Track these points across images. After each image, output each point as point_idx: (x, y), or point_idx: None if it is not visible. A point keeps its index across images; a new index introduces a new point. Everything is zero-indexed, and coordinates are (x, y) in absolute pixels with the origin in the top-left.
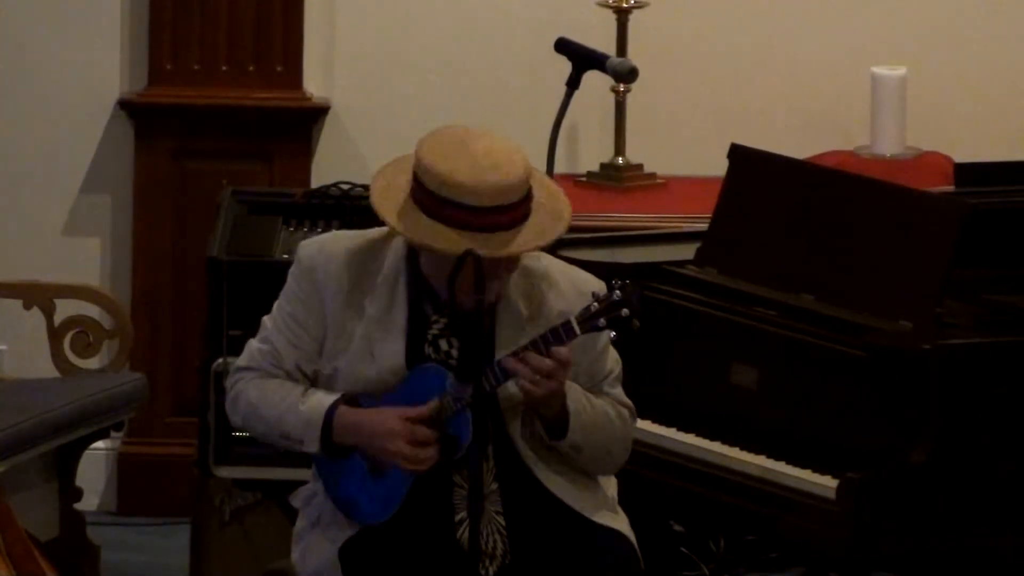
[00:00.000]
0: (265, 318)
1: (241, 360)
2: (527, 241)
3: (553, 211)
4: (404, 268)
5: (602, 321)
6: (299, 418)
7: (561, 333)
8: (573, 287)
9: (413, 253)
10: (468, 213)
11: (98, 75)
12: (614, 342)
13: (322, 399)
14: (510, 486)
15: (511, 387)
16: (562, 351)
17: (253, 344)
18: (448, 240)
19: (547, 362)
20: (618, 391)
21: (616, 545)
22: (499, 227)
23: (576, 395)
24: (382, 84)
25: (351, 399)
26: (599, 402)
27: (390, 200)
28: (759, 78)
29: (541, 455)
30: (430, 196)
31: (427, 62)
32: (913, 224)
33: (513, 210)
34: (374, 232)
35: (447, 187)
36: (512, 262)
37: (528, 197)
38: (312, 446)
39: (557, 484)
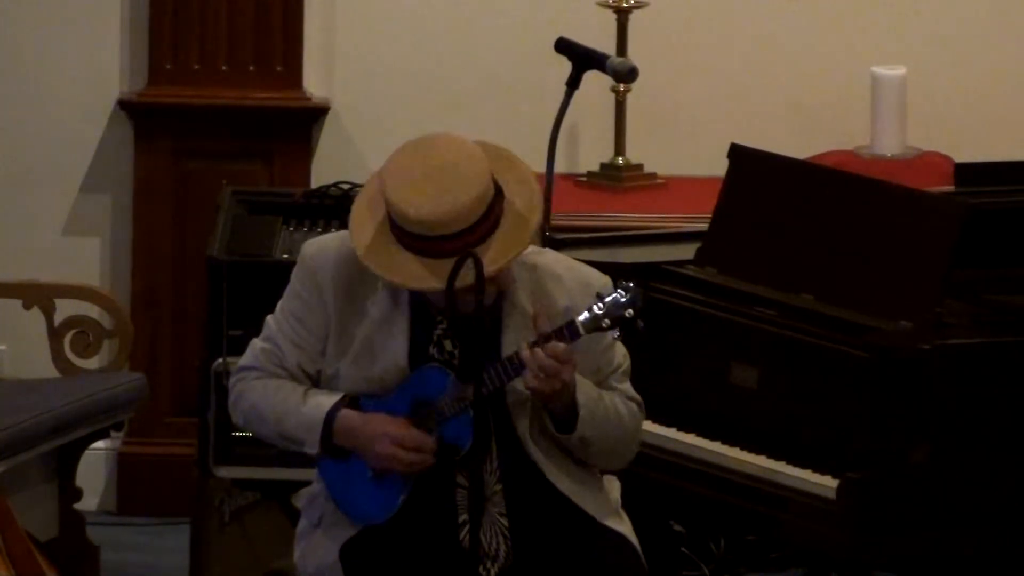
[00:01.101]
0: (268, 318)
1: (244, 360)
2: (494, 259)
3: (520, 216)
4: None
5: (607, 321)
6: (300, 419)
7: (565, 333)
8: (577, 282)
9: None
10: (430, 243)
11: (98, 75)
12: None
13: (323, 401)
14: (515, 487)
15: (519, 385)
16: (559, 348)
17: (256, 344)
18: (413, 277)
19: (551, 361)
20: (626, 385)
21: (621, 549)
22: (465, 248)
23: (586, 389)
24: (382, 84)
25: (352, 401)
26: (609, 396)
27: (367, 224)
28: (759, 78)
29: (550, 454)
30: (396, 226)
31: (427, 62)
32: (913, 224)
33: (476, 229)
34: None
35: (406, 221)
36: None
37: (492, 209)
38: (312, 448)
39: (565, 484)
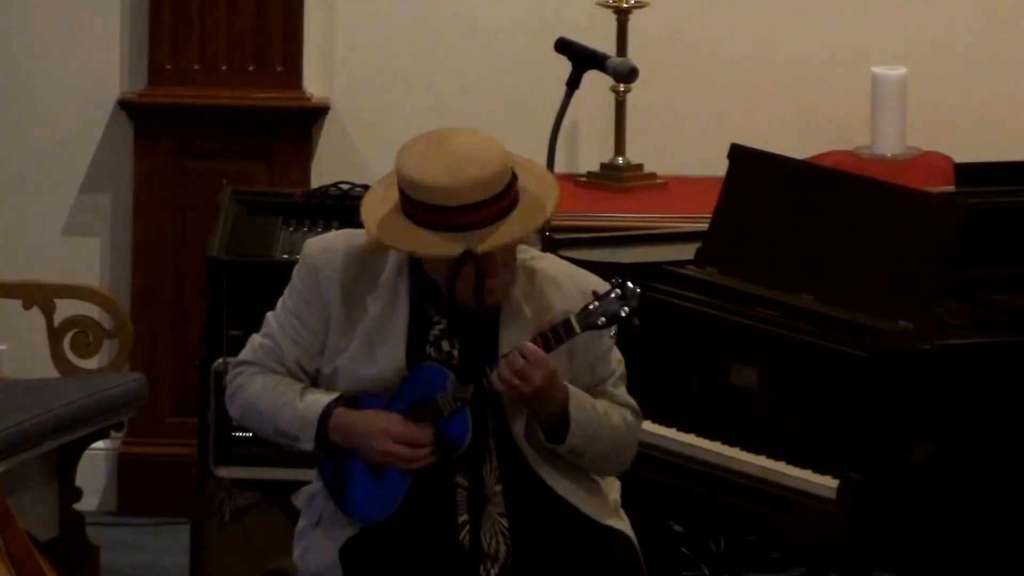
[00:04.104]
0: (269, 314)
1: (243, 354)
2: (507, 233)
3: (536, 200)
4: (407, 268)
5: (602, 320)
6: (296, 416)
7: (561, 331)
8: (576, 287)
9: None
10: (445, 214)
11: (98, 75)
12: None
13: (319, 398)
14: (514, 487)
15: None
16: (528, 347)
17: (256, 339)
18: (426, 244)
19: (520, 361)
20: (622, 391)
21: (620, 548)
22: (479, 224)
23: (579, 399)
24: (382, 84)
25: (349, 399)
26: (603, 406)
27: (378, 208)
28: (759, 78)
29: (545, 456)
30: (409, 201)
31: (427, 62)
32: (913, 224)
33: (492, 205)
34: None
35: (422, 190)
36: (510, 259)
37: (508, 190)
38: (307, 444)
39: (562, 485)
